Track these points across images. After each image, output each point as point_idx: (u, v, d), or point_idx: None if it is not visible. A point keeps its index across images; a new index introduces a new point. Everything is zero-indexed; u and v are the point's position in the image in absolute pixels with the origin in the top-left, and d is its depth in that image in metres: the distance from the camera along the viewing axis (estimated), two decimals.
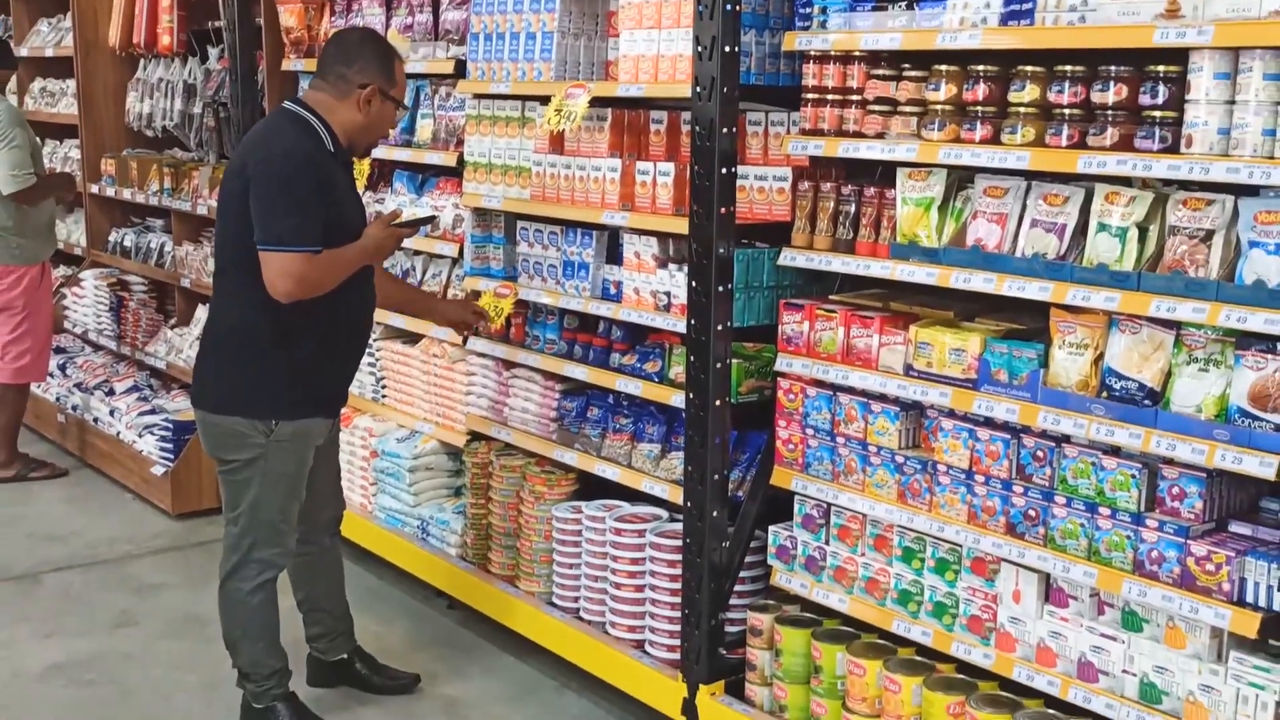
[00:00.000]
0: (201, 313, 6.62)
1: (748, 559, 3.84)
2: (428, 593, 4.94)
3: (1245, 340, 2.73)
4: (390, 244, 3.79)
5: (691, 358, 3.69)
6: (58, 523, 5.94)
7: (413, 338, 5.10)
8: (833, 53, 3.44)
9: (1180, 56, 2.77)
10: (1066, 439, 3.06)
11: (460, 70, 4.64)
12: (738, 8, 3.50)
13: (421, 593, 4.98)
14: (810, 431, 3.60)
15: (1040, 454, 3.10)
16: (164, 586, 5.20)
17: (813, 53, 3.48)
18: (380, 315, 5.19)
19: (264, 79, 5.73)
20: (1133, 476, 2.91)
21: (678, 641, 3.87)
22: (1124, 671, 2.94)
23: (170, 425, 6.12)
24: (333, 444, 4.11)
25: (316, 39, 5.48)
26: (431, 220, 4.07)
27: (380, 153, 5.04)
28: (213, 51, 6.59)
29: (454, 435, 4.86)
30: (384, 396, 5.26)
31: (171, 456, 6.01)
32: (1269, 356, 2.68)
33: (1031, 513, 3.09)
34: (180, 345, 6.59)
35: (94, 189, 7.30)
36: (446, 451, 4.99)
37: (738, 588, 3.84)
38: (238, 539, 3.78)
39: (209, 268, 6.37)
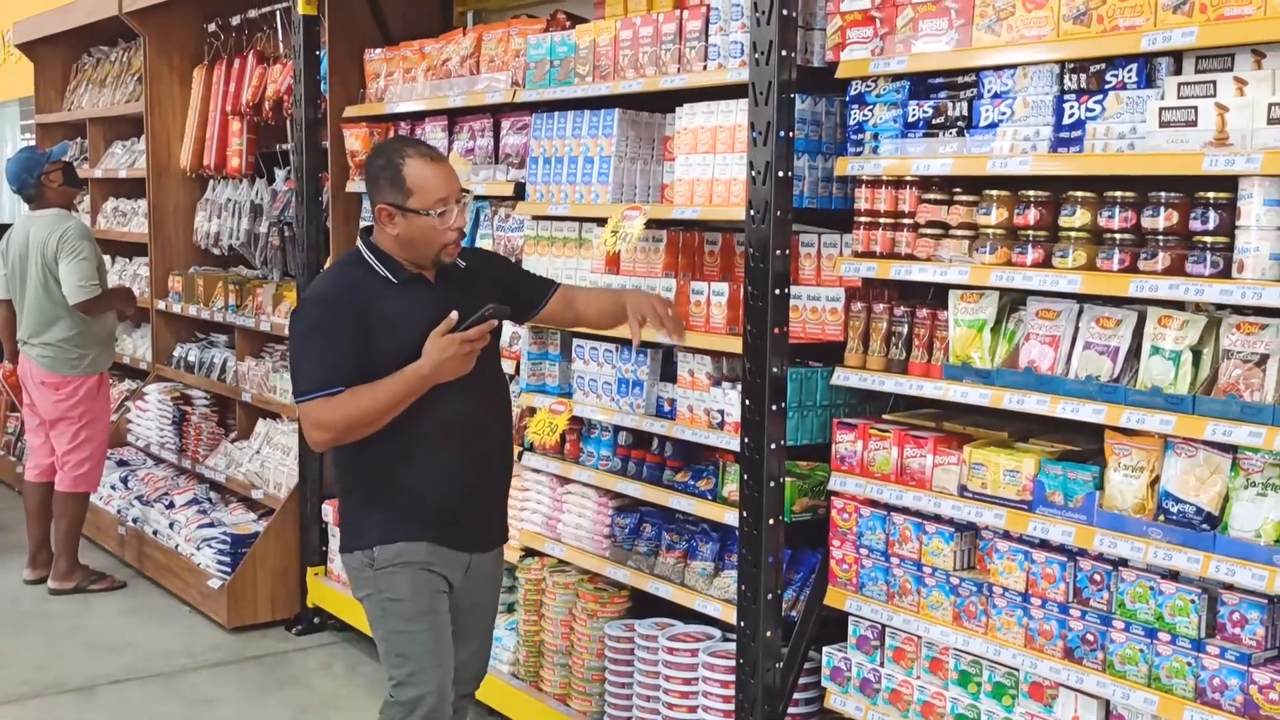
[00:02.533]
0: (262, 426, 6.73)
1: (801, 680, 3.81)
2: (480, 710, 4.91)
3: None
4: (452, 351, 3.34)
5: (745, 476, 3.71)
6: (115, 635, 5.99)
7: None
8: (885, 177, 3.50)
9: (1230, 183, 2.80)
10: (1124, 562, 3.03)
11: (519, 192, 4.75)
12: (790, 134, 3.59)
13: (474, 710, 4.95)
14: (864, 551, 3.59)
15: (1097, 577, 3.07)
16: (218, 700, 5.22)
17: (865, 177, 3.55)
18: None
19: (328, 200, 5.89)
20: (1192, 602, 2.88)
21: None
22: None
23: (228, 538, 6.18)
24: (486, 582, 3.73)
25: None
26: (497, 310, 3.45)
27: None
28: (279, 173, 6.81)
29: (507, 551, 4.87)
30: None
31: (229, 569, 6.06)
32: None
33: (1090, 637, 3.05)
34: (239, 459, 6.69)
35: (161, 305, 7.49)
36: None
37: (791, 710, 3.80)
38: (387, 682, 3.54)
39: (269, 382, 6.49)
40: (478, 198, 5.12)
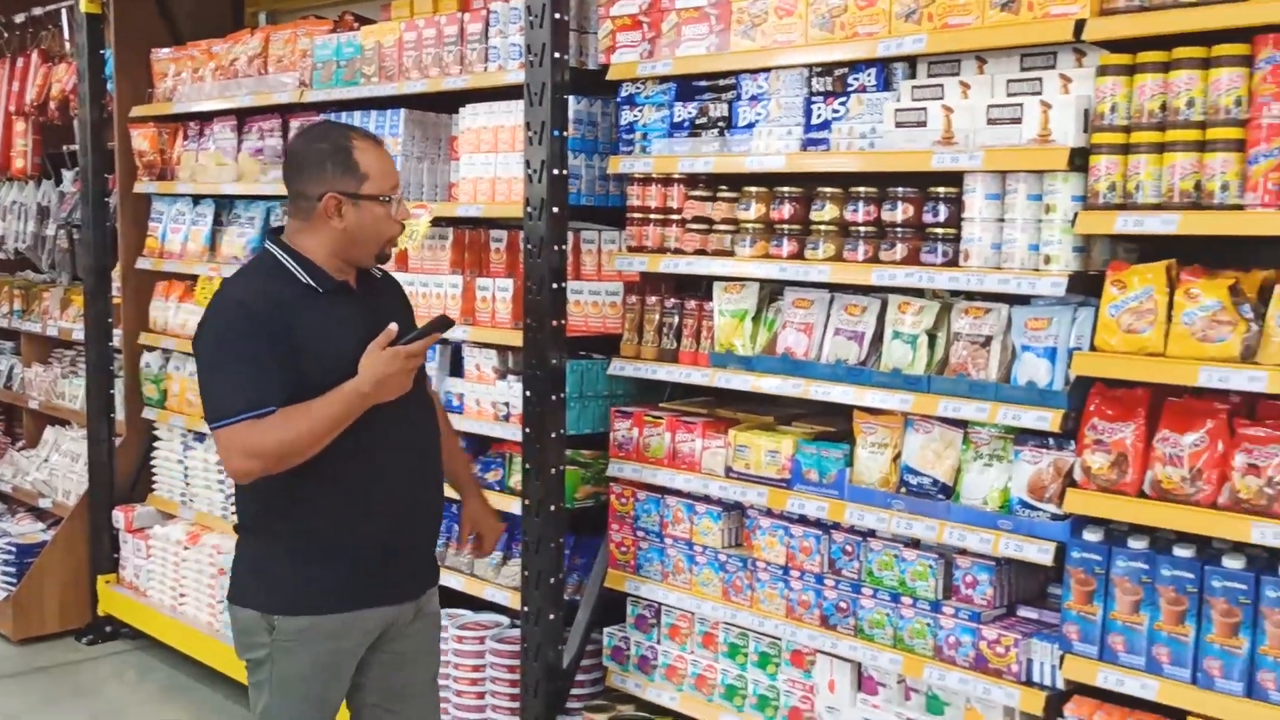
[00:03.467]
0: (50, 434, 6.56)
1: (586, 662, 3.94)
2: None
3: (1023, 436, 2.96)
4: (396, 367, 2.91)
5: (526, 465, 3.82)
6: None
7: None
8: (654, 175, 3.67)
9: (957, 178, 3.04)
10: (872, 533, 3.25)
11: None
12: (565, 134, 3.72)
13: None
14: (641, 534, 3.74)
15: (849, 548, 3.28)
16: (2, 714, 5.08)
17: (636, 175, 3.71)
18: None
19: (116, 201, 5.80)
20: (930, 567, 3.11)
21: None
22: None
23: (13, 549, 6.00)
24: (424, 649, 3.20)
25: (169, 162, 5.59)
26: (441, 321, 3.05)
27: (230, 272, 5.14)
28: (67, 174, 6.65)
29: None
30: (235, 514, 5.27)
31: (13, 580, 5.89)
32: (1043, 451, 2.91)
33: (843, 605, 3.26)
34: (27, 467, 6.50)
35: None
36: None
37: (576, 690, 3.93)
38: None
39: (58, 389, 6.33)
40: (268, 198, 5.12)
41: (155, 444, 5.78)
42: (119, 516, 5.76)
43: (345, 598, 2.98)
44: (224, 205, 5.41)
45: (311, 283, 2.99)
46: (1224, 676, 2.61)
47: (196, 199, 5.51)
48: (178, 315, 5.52)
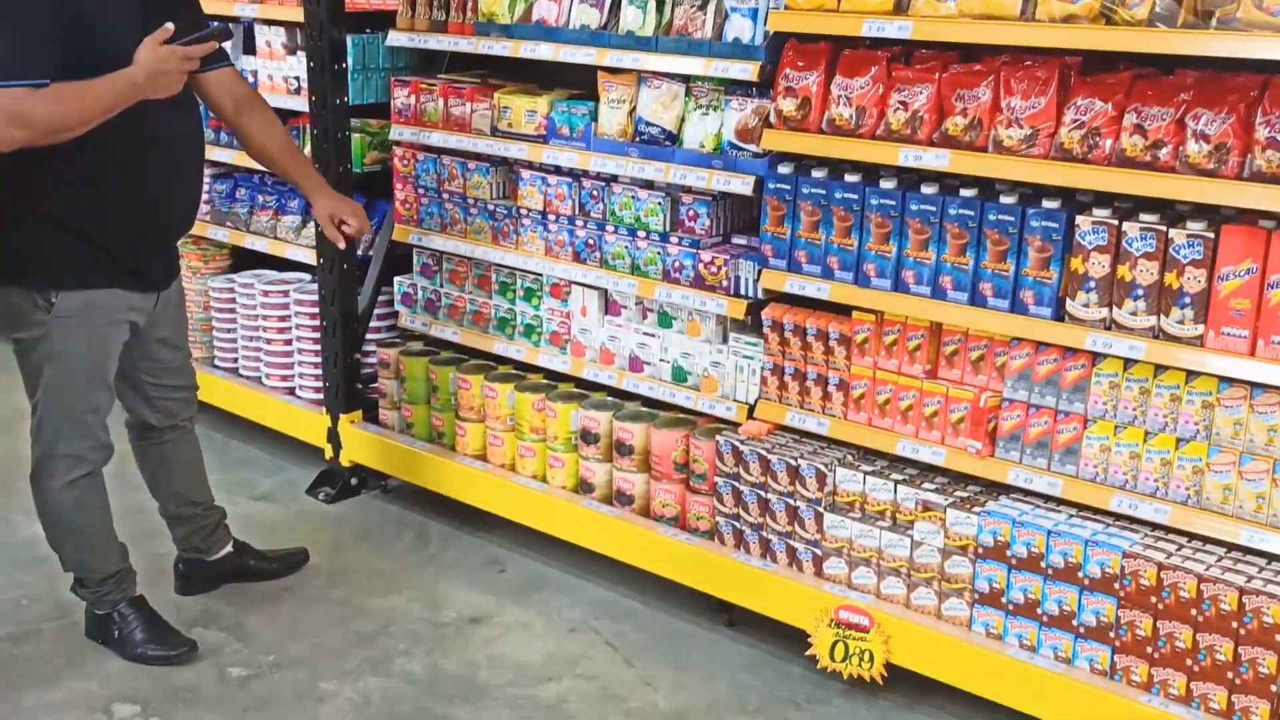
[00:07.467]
0: None
1: (380, 311, 4.45)
2: None
3: (732, 87, 3.45)
4: (171, 65, 3.00)
5: (314, 131, 4.19)
6: None
7: None
8: None
9: None
10: (614, 178, 3.75)
11: None
12: None
13: None
14: (422, 191, 4.19)
15: (595, 193, 3.79)
16: None
17: None
18: None
19: None
20: (660, 204, 3.64)
21: (322, 383, 4.46)
22: (660, 360, 3.72)
23: None
24: (177, 326, 3.51)
25: None
26: (222, 30, 3.16)
27: None
28: None
29: None
30: None
31: None
32: (748, 99, 3.41)
33: (591, 241, 3.79)
34: None
35: None
36: None
37: (372, 336, 4.44)
38: (38, 429, 3.27)
39: None
40: None
41: None
42: None
43: (120, 276, 3.18)
44: None
45: None
46: (878, 276, 3.23)
47: None
48: None
